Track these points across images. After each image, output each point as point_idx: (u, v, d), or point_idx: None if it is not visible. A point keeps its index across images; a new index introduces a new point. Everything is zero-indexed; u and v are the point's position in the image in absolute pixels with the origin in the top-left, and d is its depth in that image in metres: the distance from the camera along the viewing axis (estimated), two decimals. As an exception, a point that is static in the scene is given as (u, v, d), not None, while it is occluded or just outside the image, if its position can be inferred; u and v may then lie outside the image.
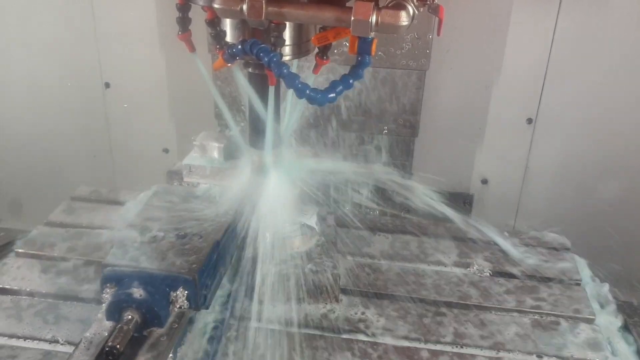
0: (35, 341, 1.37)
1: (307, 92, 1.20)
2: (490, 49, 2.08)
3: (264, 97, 1.39)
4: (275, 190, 1.44)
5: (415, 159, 2.22)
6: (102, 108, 2.40)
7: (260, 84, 1.39)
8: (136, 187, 1.82)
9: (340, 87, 1.24)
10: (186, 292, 1.20)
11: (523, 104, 2.16)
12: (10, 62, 2.36)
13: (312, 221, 1.58)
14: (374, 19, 1.10)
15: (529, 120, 2.17)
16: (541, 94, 2.12)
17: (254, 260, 1.42)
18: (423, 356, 1.36)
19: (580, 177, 2.23)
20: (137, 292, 1.15)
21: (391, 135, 2.15)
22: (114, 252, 1.26)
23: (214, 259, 1.30)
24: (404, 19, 1.11)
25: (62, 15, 2.26)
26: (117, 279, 1.20)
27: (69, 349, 1.33)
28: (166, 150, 2.44)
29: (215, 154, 1.56)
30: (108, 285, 1.20)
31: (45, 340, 1.37)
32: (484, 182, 2.31)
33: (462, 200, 2.31)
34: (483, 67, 2.11)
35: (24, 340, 1.38)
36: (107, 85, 2.36)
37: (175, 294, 1.20)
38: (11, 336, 1.38)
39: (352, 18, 1.11)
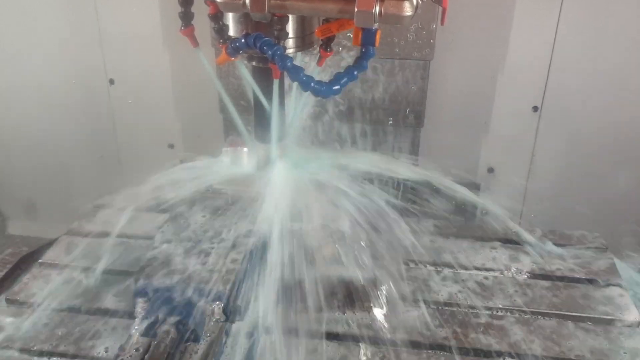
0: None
1: (312, 84, 1.19)
2: (494, 37, 2.06)
3: (268, 90, 1.38)
4: (302, 193, 1.38)
5: (421, 149, 2.21)
6: (107, 104, 2.40)
7: (264, 77, 1.38)
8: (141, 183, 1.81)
9: (345, 79, 1.24)
10: (222, 304, 1.16)
11: (528, 92, 2.15)
12: (15, 62, 2.36)
13: (345, 226, 1.46)
14: (377, 9, 1.09)
15: (535, 108, 2.16)
16: (546, 81, 2.11)
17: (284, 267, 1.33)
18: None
19: (587, 164, 2.22)
20: (172, 307, 1.12)
21: (397, 126, 2.14)
22: (147, 264, 1.22)
23: (249, 268, 1.26)
24: (407, 9, 1.10)
25: (66, 13, 2.25)
26: (151, 293, 1.16)
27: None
28: (171, 146, 2.44)
29: (246, 160, 1.49)
30: (141, 299, 1.16)
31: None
32: (491, 170, 2.30)
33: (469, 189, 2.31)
34: (488, 55, 2.10)
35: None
36: (112, 81, 2.36)
37: (211, 308, 1.16)
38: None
39: (356, 9, 1.09)
